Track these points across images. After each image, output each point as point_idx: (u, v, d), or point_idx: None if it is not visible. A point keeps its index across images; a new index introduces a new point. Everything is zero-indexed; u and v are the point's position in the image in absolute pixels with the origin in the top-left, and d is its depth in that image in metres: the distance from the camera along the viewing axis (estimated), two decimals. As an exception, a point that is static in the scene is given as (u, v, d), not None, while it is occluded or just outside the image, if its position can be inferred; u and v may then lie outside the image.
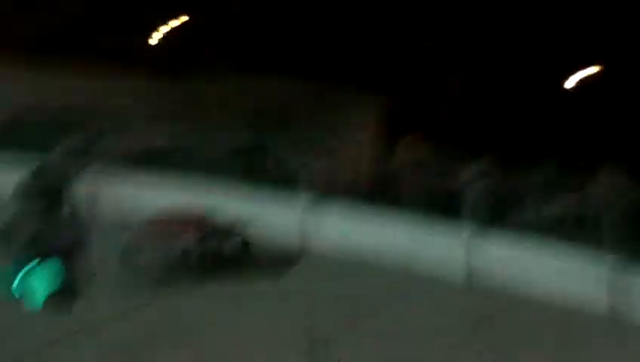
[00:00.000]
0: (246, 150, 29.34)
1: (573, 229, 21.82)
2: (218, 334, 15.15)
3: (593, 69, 38.10)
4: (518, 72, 38.15)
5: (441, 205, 24.55)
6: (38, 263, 9.99)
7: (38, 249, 10.61)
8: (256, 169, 26.63)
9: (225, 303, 17.05)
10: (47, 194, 10.59)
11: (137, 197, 25.38)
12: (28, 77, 36.04)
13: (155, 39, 41.29)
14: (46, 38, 36.34)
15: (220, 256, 19.11)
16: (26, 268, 9.89)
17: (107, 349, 12.87)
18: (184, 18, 41.15)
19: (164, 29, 41.72)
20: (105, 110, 33.69)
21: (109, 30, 38.06)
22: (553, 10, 33.23)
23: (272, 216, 23.95)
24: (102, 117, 32.73)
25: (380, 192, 27.60)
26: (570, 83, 39.55)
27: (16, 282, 9.78)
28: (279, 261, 20.39)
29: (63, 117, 31.79)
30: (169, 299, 16.22)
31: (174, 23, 41.52)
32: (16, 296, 10.34)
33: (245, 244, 20.23)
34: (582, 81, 39.06)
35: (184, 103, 39.16)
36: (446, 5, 35.50)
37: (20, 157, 24.14)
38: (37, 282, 10.07)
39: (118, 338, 13.32)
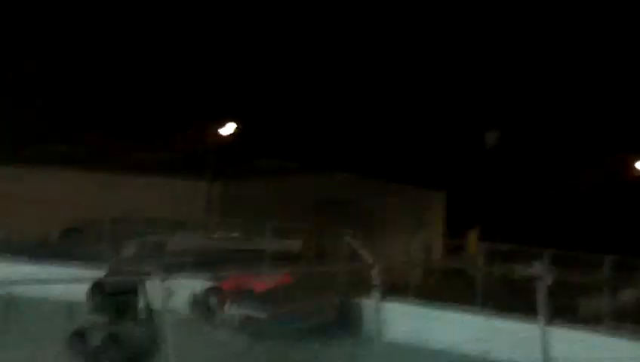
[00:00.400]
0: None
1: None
2: None
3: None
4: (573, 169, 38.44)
5: (510, 298, 24.72)
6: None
7: (113, 350, 10.71)
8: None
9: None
10: (121, 292, 10.75)
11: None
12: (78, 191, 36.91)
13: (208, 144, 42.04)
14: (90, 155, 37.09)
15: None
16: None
17: None
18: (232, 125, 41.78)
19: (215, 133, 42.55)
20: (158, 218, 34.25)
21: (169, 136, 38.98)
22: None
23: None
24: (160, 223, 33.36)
25: (448, 287, 27.78)
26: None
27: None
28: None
29: (119, 226, 32.49)
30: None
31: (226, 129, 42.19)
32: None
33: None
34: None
35: (244, 203, 39.69)
36: (501, 107, 36.02)
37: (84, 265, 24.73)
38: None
39: None
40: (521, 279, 29.41)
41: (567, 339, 22.39)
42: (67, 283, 24.78)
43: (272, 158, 42.76)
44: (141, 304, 10.73)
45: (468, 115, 40.72)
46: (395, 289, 25.10)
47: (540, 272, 21.37)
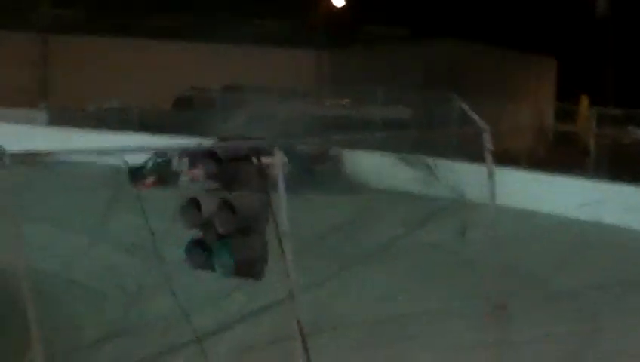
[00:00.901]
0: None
1: None
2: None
3: None
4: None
5: (621, 163, 24.52)
6: (224, 237, 10.09)
7: (225, 216, 10.76)
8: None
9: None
10: (233, 159, 10.73)
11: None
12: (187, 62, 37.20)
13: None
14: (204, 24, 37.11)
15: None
16: (217, 243, 10.01)
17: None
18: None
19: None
20: (268, 86, 34.43)
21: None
22: None
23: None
24: (270, 91, 33.54)
25: (559, 152, 27.57)
26: None
27: (215, 255, 9.94)
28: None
29: (230, 95, 32.79)
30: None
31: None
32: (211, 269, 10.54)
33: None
34: None
35: (353, 71, 39.64)
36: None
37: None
38: (223, 256, 10.19)
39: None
40: (632, 143, 29.09)
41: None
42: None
43: (382, 25, 42.44)
44: (253, 171, 10.73)
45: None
46: (507, 155, 25.01)
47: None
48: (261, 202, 10.33)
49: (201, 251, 9.82)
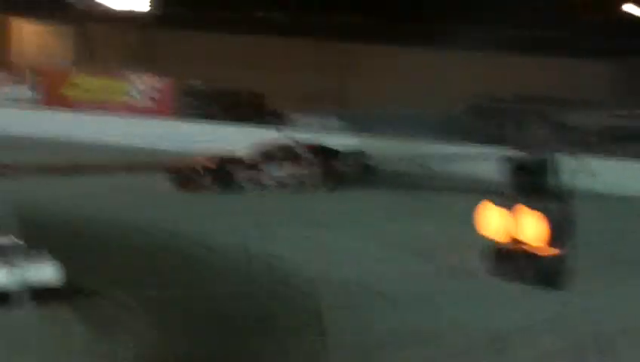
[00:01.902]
0: None
1: None
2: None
3: None
4: None
5: None
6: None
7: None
8: None
9: None
10: (532, 169, 10.71)
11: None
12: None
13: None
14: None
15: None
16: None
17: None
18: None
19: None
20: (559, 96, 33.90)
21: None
22: None
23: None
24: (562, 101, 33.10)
25: None
26: None
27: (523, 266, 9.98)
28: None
29: (522, 104, 32.55)
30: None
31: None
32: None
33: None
34: None
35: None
36: None
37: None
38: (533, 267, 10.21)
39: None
40: None
41: None
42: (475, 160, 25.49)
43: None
44: (553, 181, 10.70)
45: None
46: None
47: None
48: (563, 213, 10.32)
49: (508, 260, 9.86)
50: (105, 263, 15.96)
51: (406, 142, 27.97)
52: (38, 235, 14.56)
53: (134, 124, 32.35)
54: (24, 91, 35.74)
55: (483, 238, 9.75)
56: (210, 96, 34.78)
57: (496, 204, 9.91)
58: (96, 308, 13.70)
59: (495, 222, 9.76)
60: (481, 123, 32.22)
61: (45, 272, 14.00)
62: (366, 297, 15.06)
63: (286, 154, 25.49)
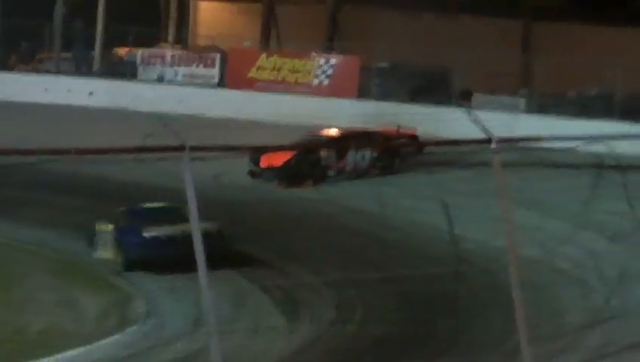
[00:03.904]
0: None
1: None
2: None
3: None
4: None
5: None
6: None
7: None
8: None
9: None
10: None
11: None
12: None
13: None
14: None
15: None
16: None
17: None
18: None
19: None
20: None
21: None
22: None
23: None
24: None
25: None
26: None
27: None
28: None
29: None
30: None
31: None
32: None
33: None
34: None
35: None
36: None
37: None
38: None
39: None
40: None
41: None
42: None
43: None
44: None
45: None
46: None
47: None
48: None
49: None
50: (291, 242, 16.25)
51: (589, 123, 27.54)
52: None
53: (320, 103, 32.69)
54: (211, 72, 36.58)
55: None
56: (395, 76, 34.70)
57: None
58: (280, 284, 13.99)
59: None
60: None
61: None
62: (552, 276, 14.94)
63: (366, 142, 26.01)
